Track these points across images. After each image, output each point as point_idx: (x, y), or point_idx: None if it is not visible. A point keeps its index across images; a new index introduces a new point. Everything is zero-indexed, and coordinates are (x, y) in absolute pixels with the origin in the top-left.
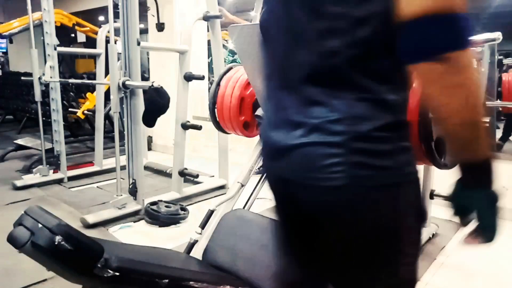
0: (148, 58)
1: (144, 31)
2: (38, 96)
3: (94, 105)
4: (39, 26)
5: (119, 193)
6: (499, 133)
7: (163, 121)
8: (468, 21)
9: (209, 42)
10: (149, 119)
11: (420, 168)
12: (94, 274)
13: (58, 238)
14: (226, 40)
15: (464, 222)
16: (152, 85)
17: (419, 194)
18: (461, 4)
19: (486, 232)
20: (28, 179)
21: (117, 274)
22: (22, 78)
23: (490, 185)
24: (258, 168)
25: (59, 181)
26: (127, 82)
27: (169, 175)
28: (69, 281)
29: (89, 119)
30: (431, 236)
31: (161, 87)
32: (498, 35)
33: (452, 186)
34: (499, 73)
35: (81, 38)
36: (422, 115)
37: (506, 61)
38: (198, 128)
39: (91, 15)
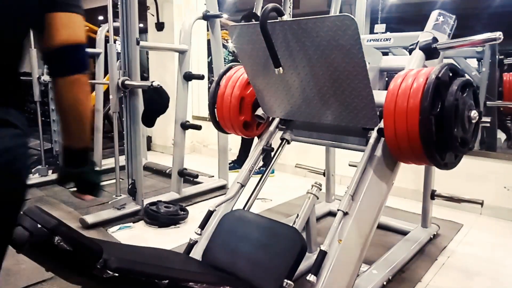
0: (148, 58)
1: (143, 31)
2: (37, 96)
3: (93, 105)
4: None
5: (118, 193)
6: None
7: (162, 121)
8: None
9: (209, 42)
10: (149, 119)
11: (421, 168)
12: (93, 275)
13: (57, 239)
14: (226, 40)
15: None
16: (152, 85)
17: None
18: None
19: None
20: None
21: (116, 275)
22: (21, 78)
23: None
24: (258, 168)
25: None
26: (126, 82)
27: (168, 175)
28: (68, 282)
29: None
30: (432, 236)
31: (161, 86)
32: (499, 34)
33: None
34: (500, 73)
35: None
36: (423, 114)
37: (507, 61)
38: (198, 128)
39: (91, 15)
